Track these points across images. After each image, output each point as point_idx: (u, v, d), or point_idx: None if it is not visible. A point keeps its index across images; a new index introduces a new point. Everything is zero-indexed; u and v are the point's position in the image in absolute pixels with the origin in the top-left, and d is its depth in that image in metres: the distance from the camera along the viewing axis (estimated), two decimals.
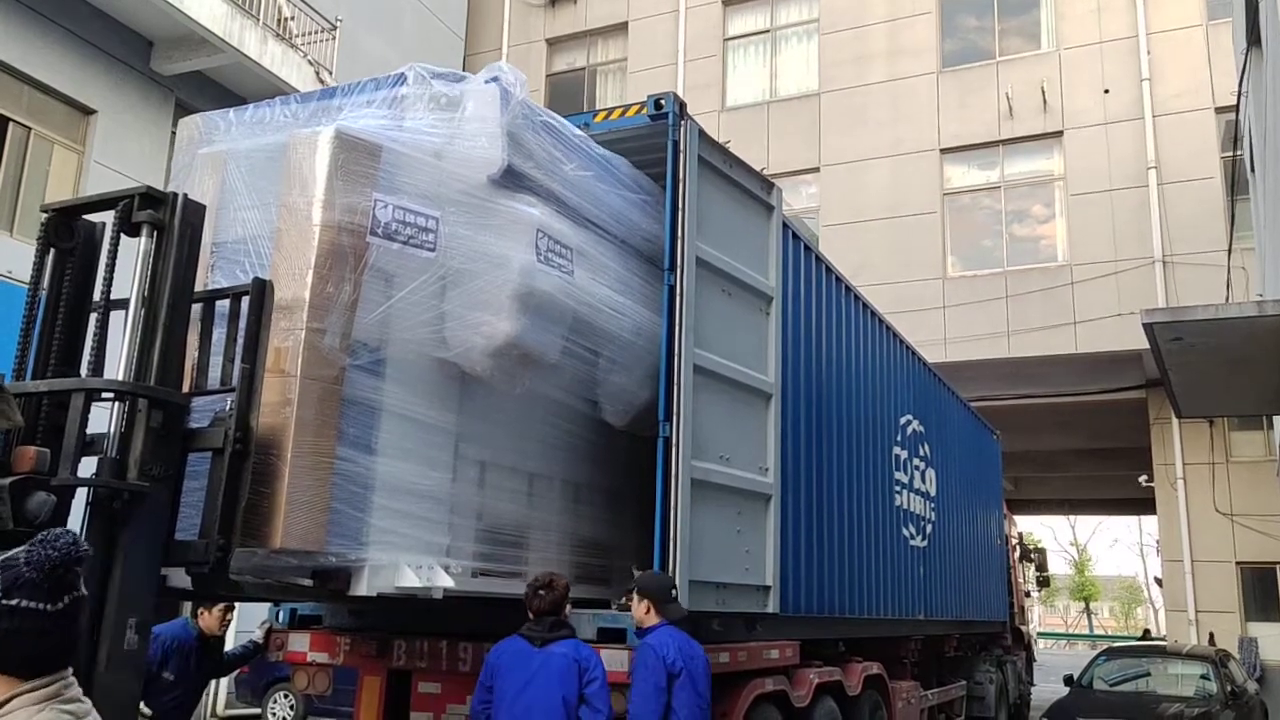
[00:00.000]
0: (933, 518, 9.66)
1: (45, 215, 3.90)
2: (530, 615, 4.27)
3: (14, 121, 11.61)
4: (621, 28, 19.97)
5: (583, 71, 20.27)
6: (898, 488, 8.54)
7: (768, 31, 18.99)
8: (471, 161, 4.38)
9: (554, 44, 20.63)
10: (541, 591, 4.27)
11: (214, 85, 13.47)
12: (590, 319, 4.87)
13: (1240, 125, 13.00)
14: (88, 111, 12.46)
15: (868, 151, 17.31)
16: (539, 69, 19.86)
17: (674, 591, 4.58)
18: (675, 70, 18.66)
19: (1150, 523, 38.59)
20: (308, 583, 4.11)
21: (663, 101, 5.36)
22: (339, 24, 15.01)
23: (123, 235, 3.77)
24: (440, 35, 19.14)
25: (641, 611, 4.48)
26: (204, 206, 3.86)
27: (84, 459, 3.64)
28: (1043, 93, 16.40)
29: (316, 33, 14.95)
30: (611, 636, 4.78)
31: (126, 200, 3.71)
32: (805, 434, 6.51)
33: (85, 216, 4.04)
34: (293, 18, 14.84)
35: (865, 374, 7.89)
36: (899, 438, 8.69)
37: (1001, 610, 13.29)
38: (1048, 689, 16.84)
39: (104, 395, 3.62)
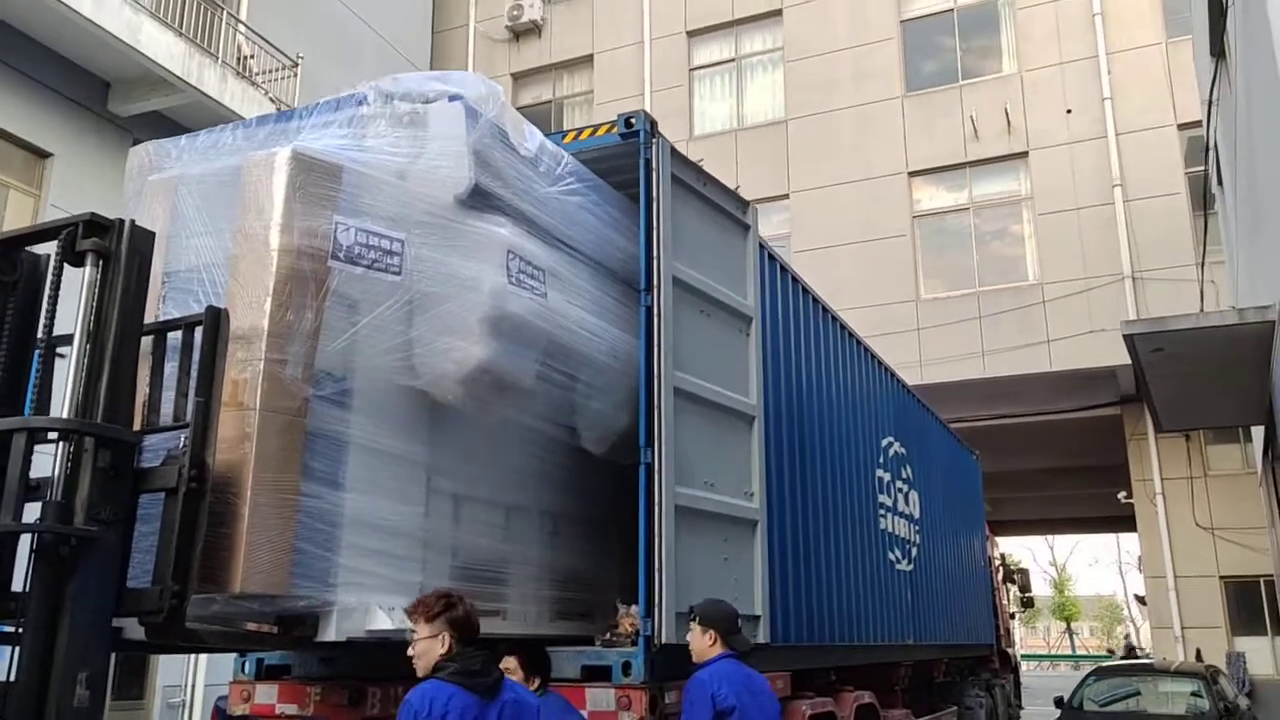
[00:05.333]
0: (918, 541, 9.50)
1: None
2: (451, 646, 3.15)
3: None
4: (587, 60, 19.97)
5: (549, 104, 20.22)
6: (882, 511, 8.38)
7: (733, 61, 19.05)
8: (437, 181, 4.21)
9: (519, 78, 20.59)
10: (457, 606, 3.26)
11: (173, 125, 13.21)
12: (565, 342, 4.69)
13: (1208, 137, 13.10)
14: (44, 155, 12.20)
15: (837, 176, 17.34)
16: None
17: (739, 621, 4.32)
18: (642, 101, 18.62)
19: (1129, 540, 38.73)
20: (272, 629, 3.87)
21: (633, 120, 5.22)
22: (300, 61, 14.86)
23: (70, 266, 3.57)
24: (403, 70, 19.00)
25: (706, 644, 4.16)
26: (153, 234, 3.65)
27: (30, 504, 3.41)
28: (1006, 114, 16.51)
29: (277, 70, 14.80)
30: (596, 675, 4.55)
31: (70, 228, 3.50)
32: (789, 458, 6.34)
33: (29, 249, 3.83)
34: (253, 55, 14.68)
35: (846, 396, 7.75)
36: (881, 460, 8.55)
37: (988, 633, 13.13)
38: (1035, 711, 16.66)
39: (49, 435, 3.39)
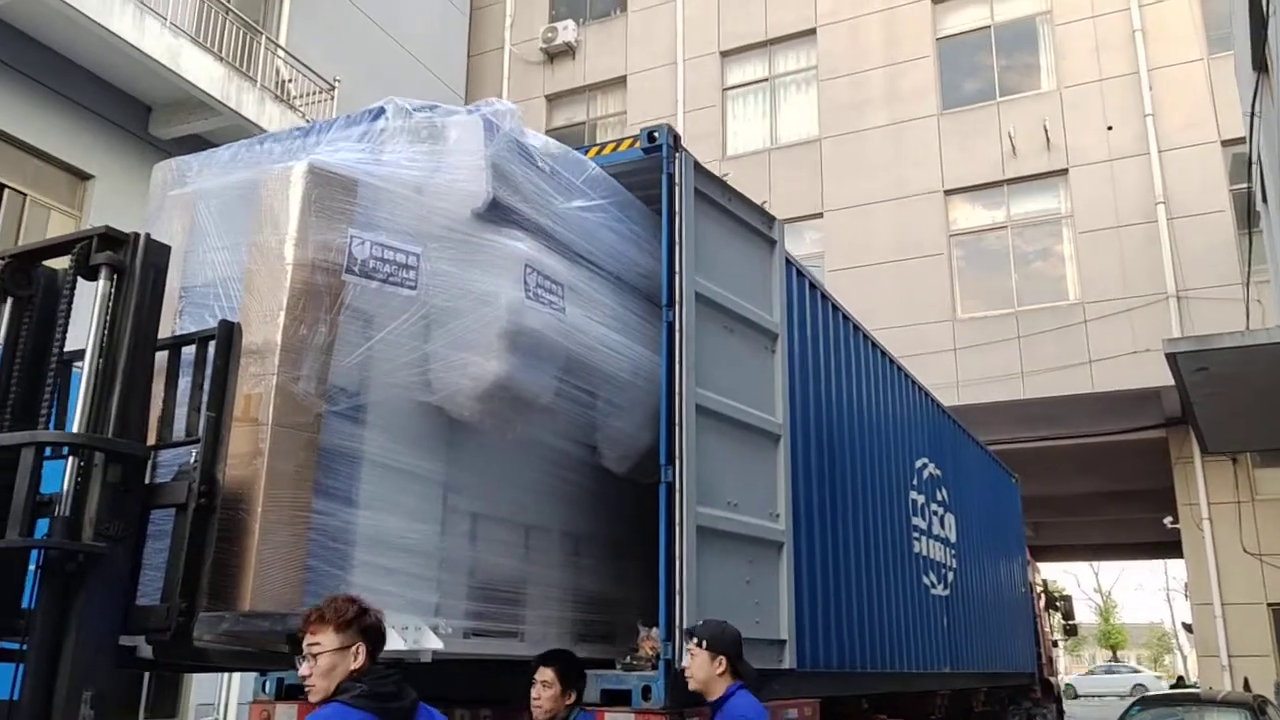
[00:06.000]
0: (954, 565, 9.28)
1: (1, 262, 3.68)
2: (365, 661, 2.67)
3: (9, 188, 11.54)
4: (620, 81, 20.03)
5: (583, 126, 20.30)
6: (916, 534, 8.20)
7: (766, 80, 19.01)
8: (454, 195, 4.16)
9: (553, 99, 20.70)
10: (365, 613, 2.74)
11: (212, 148, 13.40)
12: (585, 358, 4.61)
13: (1251, 152, 12.82)
14: (85, 177, 12.41)
15: (871, 195, 17.20)
16: (539, 124, 19.88)
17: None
18: (675, 121, 18.63)
19: (1176, 566, 37.89)
20: (283, 648, 3.80)
21: (656, 134, 5.16)
22: (337, 84, 15.02)
23: (85, 280, 3.56)
24: (439, 93, 19.19)
25: (714, 671, 3.78)
26: (168, 247, 3.63)
27: (41, 519, 3.39)
28: (1045, 131, 16.29)
29: (315, 93, 14.97)
30: (615, 699, 4.44)
31: (84, 242, 3.49)
32: (817, 478, 6.21)
33: (46, 263, 3.83)
34: (291, 79, 14.87)
35: (877, 415, 7.60)
36: (915, 482, 8.37)
37: (1029, 661, 12.81)
38: None
39: (62, 450, 3.37)
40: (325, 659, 2.61)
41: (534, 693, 4.03)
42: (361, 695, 2.56)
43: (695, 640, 3.85)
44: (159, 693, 12.12)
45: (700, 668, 3.81)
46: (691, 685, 3.86)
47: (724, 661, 3.79)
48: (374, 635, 2.70)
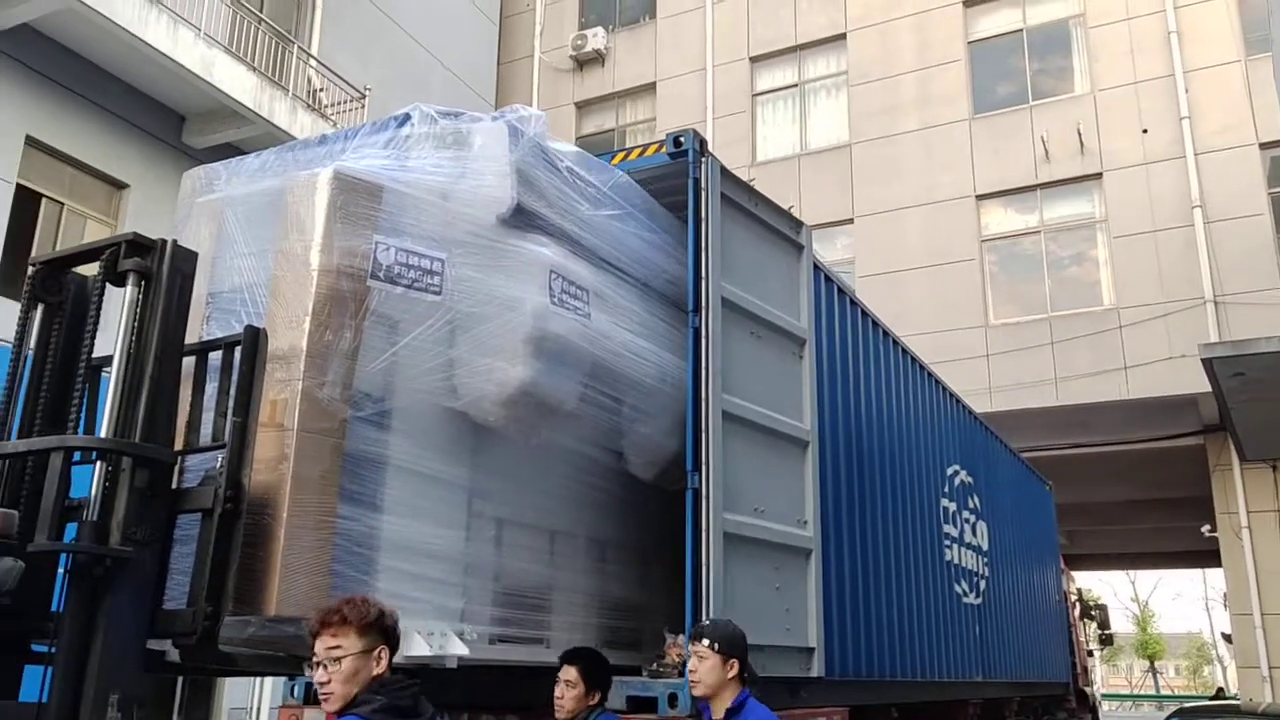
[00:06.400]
0: (986, 573, 9.17)
1: (32, 269, 3.73)
2: (387, 668, 2.57)
3: (47, 198, 11.73)
4: (649, 88, 20.04)
5: (612, 133, 20.32)
6: (947, 542, 8.11)
7: (796, 86, 18.94)
8: (479, 201, 4.16)
9: (583, 107, 20.74)
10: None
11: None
12: (610, 364, 4.59)
13: None
14: (121, 186, 12.59)
15: (902, 200, 17.07)
16: (569, 132, 19.94)
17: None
18: (704, 127, 18.60)
19: (1215, 575, 37.25)
20: (309, 653, 3.80)
21: (682, 139, 5.15)
22: (368, 92, 15.14)
23: (113, 286, 3.60)
24: (469, 101, 19.30)
25: (727, 675, 3.46)
26: (195, 254, 3.67)
27: (70, 524, 3.42)
28: (1079, 135, 16.10)
29: (346, 101, 15.10)
30: (641, 706, 4.41)
31: (113, 248, 3.53)
32: (846, 485, 6.16)
33: (76, 270, 3.87)
34: (323, 88, 15.02)
35: (907, 422, 7.53)
36: (946, 489, 8.28)
37: (1063, 671, 12.63)
38: None
39: (90, 454, 3.40)
40: (349, 663, 2.45)
41: (557, 691, 3.94)
42: (381, 710, 2.38)
43: (705, 642, 3.51)
44: (192, 697, 12.23)
45: (711, 672, 3.47)
46: (698, 691, 3.54)
47: (736, 665, 3.49)
48: (395, 638, 2.56)
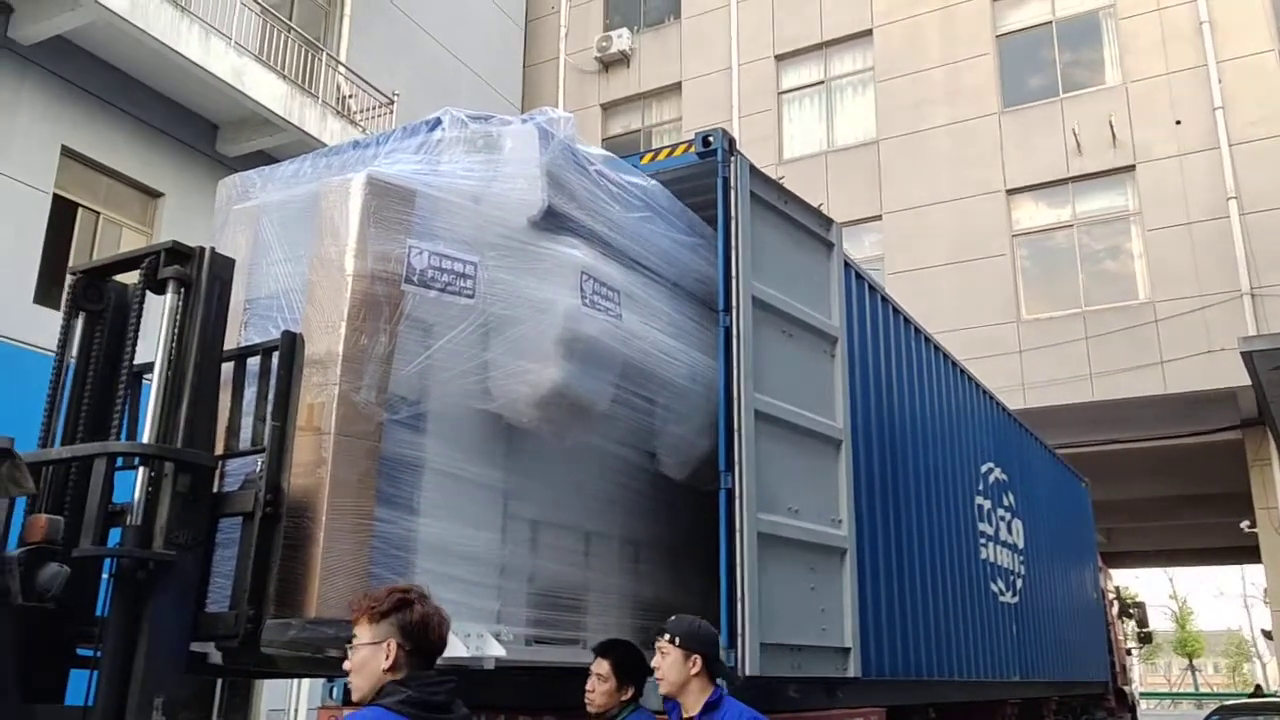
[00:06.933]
0: (1022, 571, 9.09)
1: (72, 277, 3.79)
2: (397, 660, 2.44)
3: (84, 207, 11.90)
4: (675, 88, 20.04)
5: (638, 134, 20.34)
6: (983, 540, 8.04)
7: (822, 83, 18.87)
8: (510, 204, 4.18)
9: (609, 108, 20.77)
10: (437, 604, 2.57)
11: (276, 163, 13.68)
12: (642, 365, 4.60)
13: None
14: (156, 195, 12.74)
15: (931, 196, 16.96)
16: (595, 133, 19.98)
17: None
18: (730, 126, 18.56)
19: (1255, 571, 36.74)
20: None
21: (710, 138, 5.14)
22: (396, 98, 15.24)
23: (153, 294, 3.65)
24: (496, 104, 19.38)
25: (689, 671, 3.38)
26: (233, 261, 3.71)
27: (114, 529, 3.47)
28: (1111, 127, 15.92)
29: (375, 107, 15.21)
30: None
31: (152, 256, 3.58)
32: (880, 484, 6.13)
33: (116, 278, 3.93)
34: (351, 95, 15.13)
35: (940, 419, 7.48)
36: (980, 487, 8.22)
37: (1102, 669, 12.50)
38: None
39: (133, 460, 3.44)
40: (358, 654, 2.38)
41: (588, 685, 3.79)
42: (406, 701, 2.27)
43: (666, 637, 3.45)
44: (231, 699, 12.37)
45: (672, 668, 3.39)
46: (663, 689, 3.48)
47: (699, 661, 3.38)
48: (414, 632, 2.39)
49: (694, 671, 3.37)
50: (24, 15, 11.05)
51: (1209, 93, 15.48)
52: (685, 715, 3.44)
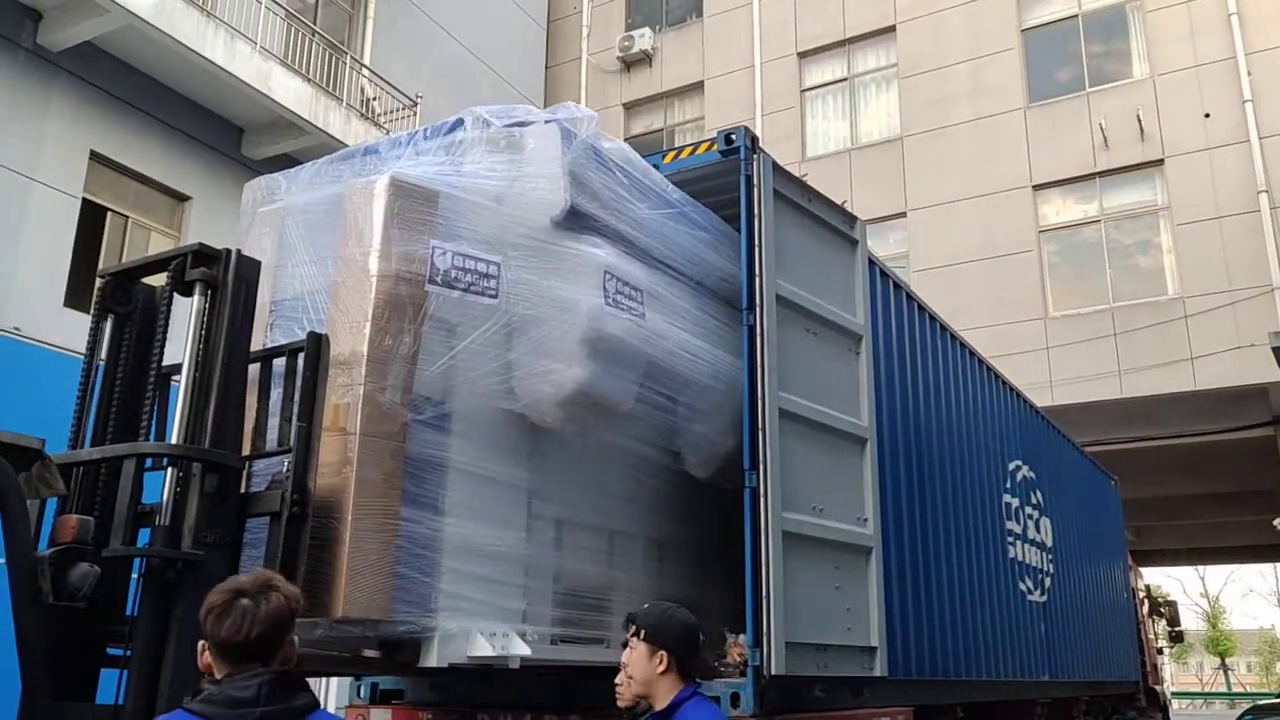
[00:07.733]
0: (1051, 570, 9.01)
1: (101, 280, 3.83)
2: (222, 662, 2.18)
3: (112, 211, 12.03)
4: (697, 87, 20.01)
5: (661, 133, 20.32)
6: (1010, 538, 7.98)
7: (845, 80, 18.78)
8: (533, 204, 4.19)
9: (631, 107, 20.77)
10: (245, 602, 2.16)
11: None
12: (665, 364, 4.59)
13: None
14: (183, 198, 12.87)
15: (956, 193, 16.83)
16: (617, 133, 19.98)
17: (703, 638, 2.99)
18: (754, 124, 18.52)
19: None
20: (374, 654, 3.87)
21: (733, 136, 5.12)
22: (420, 100, 15.31)
23: (180, 296, 3.68)
24: (518, 105, 19.41)
25: (655, 669, 2.82)
26: (259, 262, 3.74)
27: (143, 529, 3.50)
28: (1139, 121, 15.74)
29: (398, 109, 15.29)
30: None
31: (179, 259, 3.61)
32: (905, 482, 6.09)
33: (144, 281, 3.97)
34: (375, 97, 15.22)
35: (967, 417, 7.43)
36: (1008, 485, 8.15)
37: (1133, 669, 12.37)
38: None
39: (162, 461, 3.48)
40: (646, 666, 2.48)
41: (617, 679, 3.71)
42: (207, 699, 2.04)
43: (633, 629, 2.94)
44: None
45: (637, 664, 2.87)
46: (637, 688, 2.93)
47: (665, 658, 2.82)
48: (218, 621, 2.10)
49: (660, 669, 2.82)
50: (52, 22, 11.19)
51: (1238, 85, 15.27)
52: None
